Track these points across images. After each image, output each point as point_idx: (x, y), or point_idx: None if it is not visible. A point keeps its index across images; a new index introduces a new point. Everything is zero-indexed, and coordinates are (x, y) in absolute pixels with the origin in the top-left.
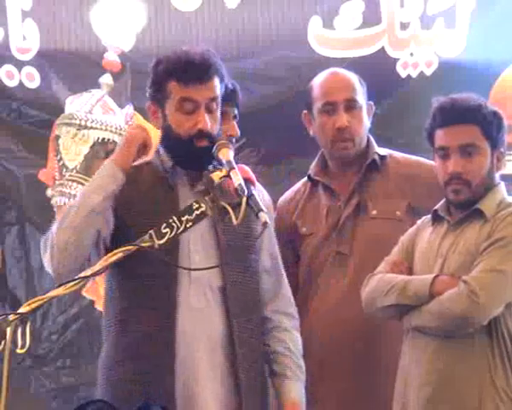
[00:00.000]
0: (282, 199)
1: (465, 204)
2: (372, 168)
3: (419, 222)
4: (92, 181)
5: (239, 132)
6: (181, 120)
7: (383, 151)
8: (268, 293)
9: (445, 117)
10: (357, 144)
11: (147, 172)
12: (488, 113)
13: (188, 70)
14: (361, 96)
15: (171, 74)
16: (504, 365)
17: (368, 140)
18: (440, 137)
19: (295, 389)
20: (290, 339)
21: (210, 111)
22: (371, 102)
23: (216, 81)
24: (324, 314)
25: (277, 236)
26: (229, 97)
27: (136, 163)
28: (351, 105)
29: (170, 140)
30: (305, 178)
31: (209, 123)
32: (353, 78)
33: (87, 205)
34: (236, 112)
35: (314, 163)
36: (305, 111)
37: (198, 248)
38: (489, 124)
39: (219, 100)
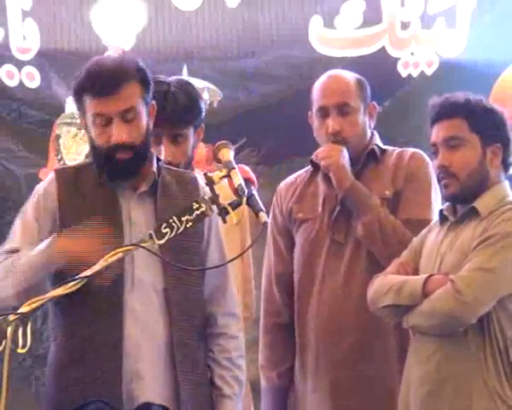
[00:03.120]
0: (281, 184)
1: (458, 199)
2: (371, 160)
3: (431, 223)
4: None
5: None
6: (97, 133)
7: (387, 147)
8: (216, 291)
9: (434, 114)
10: (351, 147)
11: (88, 174)
12: (477, 107)
13: (95, 84)
14: (356, 99)
15: (83, 89)
16: (497, 364)
17: (371, 136)
18: (432, 134)
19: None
20: (235, 347)
21: (127, 121)
22: (374, 103)
23: (129, 89)
24: (320, 304)
25: (274, 221)
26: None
27: (76, 163)
28: (343, 109)
29: (94, 152)
30: (309, 166)
31: (124, 134)
32: (350, 80)
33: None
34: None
35: (318, 150)
36: (310, 112)
37: (141, 250)
38: (477, 117)
39: (137, 107)
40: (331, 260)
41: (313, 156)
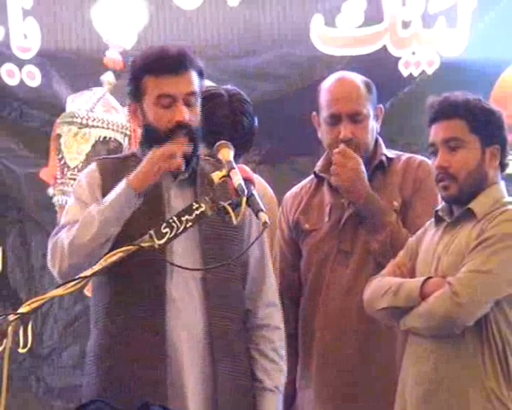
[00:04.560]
0: (287, 194)
1: (457, 201)
2: (379, 169)
3: (427, 224)
4: (111, 207)
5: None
6: (159, 113)
7: (392, 153)
8: (255, 283)
9: (433, 114)
10: (362, 153)
11: (132, 164)
12: (476, 108)
13: (162, 62)
14: (367, 105)
15: (146, 69)
16: (495, 366)
17: (376, 142)
18: (430, 134)
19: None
20: (279, 338)
21: (188, 105)
22: (381, 106)
23: (193, 75)
24: (326, 312)
25: (280, 231)
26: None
27: (121, 155)
28: (355, 117)
29: (150, 136)
30: (313, 175)
31: (187, 115)
32: (360, 85)
33: (105, 234)
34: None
35: (321, 159)
36: (314, 113)
37: (180, 238)
38: (476, 118)
39: (198, 95)
40: (337, 268)
41: (316, 168)
